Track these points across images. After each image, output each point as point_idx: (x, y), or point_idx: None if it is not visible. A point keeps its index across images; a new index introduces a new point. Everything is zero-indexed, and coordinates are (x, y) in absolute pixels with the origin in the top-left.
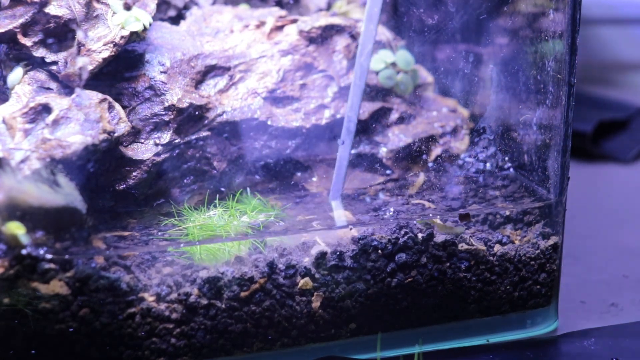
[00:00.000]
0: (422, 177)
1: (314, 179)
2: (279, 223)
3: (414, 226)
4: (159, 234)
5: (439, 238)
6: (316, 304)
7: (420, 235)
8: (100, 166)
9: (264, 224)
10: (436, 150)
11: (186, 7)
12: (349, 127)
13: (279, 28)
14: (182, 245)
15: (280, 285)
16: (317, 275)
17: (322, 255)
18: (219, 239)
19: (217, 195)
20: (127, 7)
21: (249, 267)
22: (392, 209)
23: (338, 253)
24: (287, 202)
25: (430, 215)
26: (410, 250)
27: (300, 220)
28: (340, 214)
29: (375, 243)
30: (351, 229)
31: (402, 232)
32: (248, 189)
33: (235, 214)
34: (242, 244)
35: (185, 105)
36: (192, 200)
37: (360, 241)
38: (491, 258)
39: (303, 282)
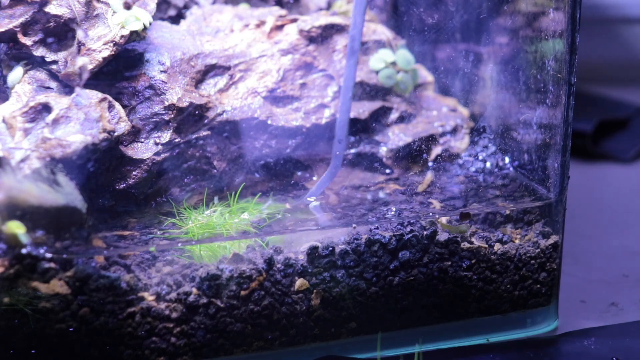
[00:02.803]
0: (429, 175)
1: (314, 178)
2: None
3: (418, 224)
4: (159, 233)
5: (442, 237)
6: (316, 301)
7: (424, 233)
8: (100, 165)
9: (266, 223)
10: (436, 150)
11: (186, 7)
12: (353, 46)
13: (279, 27)
14: (179, 244)
15: (276, 282)
16: (320, 273)
17: (330, 252)
18: (217, 238)
19: (216, 195)
20: (127, 7)
21: (252, 265)
22: (393, 208)
23: (341, 250)
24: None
25: (431, 214)
26: (413, 248)
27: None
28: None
29: (377, 237)
30: (354, 227)
31: (408, 230)
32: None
33: (236, 212)
34: (243, 241)
35: (185, 104)
36: (192, 199)
37: (357, 240)
38: (492, 257)
39: (300, 281)
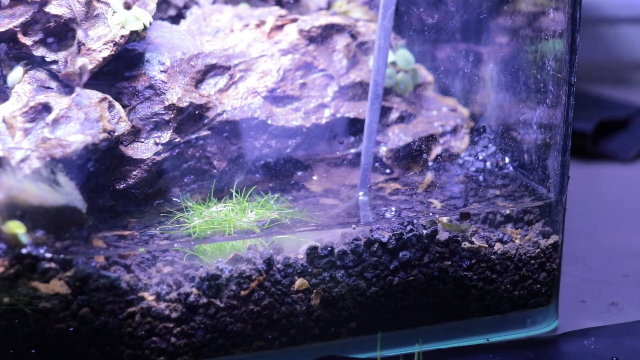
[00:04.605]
0: (429, 175)
1: (314, 178)
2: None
3: (418, 224)
4: (164, 228)
5: (442, 236)
6: (315, 301)
7: (424, 232)
8: (100, 165)
9: (272, 223)
10: (436, 150)
11: (186, 7)
12: (376, 90)
13: (279, 27)
14: (176, 244)
15: (276, 282)
16: (323, 273)
17: (329, 252)
18: (217, 238)
19: (216, 196)
20: (127, 7)
21: (251, 265)
22: (393, 208)
23: (342, 251)
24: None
25: (431, 214)
26: (413, 247)
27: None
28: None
29: (376, 236)
30: (354, 227)
31: (408, 229)
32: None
33: (244, 210)
34: (252, 240)
35: (185, 104)
36: (192, 199)
37: (357, 241)
38: (492, 256)
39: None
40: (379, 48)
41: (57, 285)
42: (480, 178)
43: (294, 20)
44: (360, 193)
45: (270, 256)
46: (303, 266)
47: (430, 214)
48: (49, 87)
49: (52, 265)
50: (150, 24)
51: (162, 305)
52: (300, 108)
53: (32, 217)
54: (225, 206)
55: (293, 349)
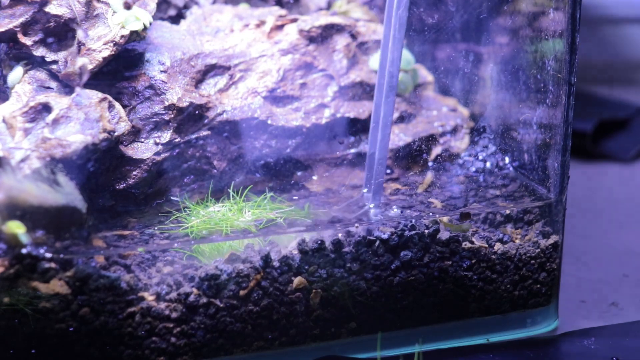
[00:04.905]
0: (429, 175)
1: (314, 178)
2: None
3: (420, 223)
4: (162, 228)
5: (443, 235)
6: (315, 300)
7: (426, 232)
8: (100, 165)
9: (269, 222)
10: (436, 150)
11: (186, 7)
12: (391, 82)
13: (279, 27)
14: (175, 244)
15: (274, 280)
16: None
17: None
18: (215, 238)
19: (216, 196)
20: (127, 7)
21: (249, 263)
22: (394, 208)
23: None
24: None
25: (431, 214)
26: (415, 247)
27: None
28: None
29: (377, 234)
30: (357, 226)
31: (409, 228)
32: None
33: (241, 210)
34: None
35: (185, 104)
36: (192, 199)
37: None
38: (492, 256)
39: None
40: (393, 39)
41: (57, 285)
42: (480, 178)
43: (294, 20)
44: (371, 205)
45: (267, 253)
46: (301, 263)
47: (431, 214)
48: (49, 87)
49: (52, 265)
50: (150, 24)
51: (162, 305)
52: (300, 108)
53: (32, 217)
54: (222, 206)
55: (293, 349)
